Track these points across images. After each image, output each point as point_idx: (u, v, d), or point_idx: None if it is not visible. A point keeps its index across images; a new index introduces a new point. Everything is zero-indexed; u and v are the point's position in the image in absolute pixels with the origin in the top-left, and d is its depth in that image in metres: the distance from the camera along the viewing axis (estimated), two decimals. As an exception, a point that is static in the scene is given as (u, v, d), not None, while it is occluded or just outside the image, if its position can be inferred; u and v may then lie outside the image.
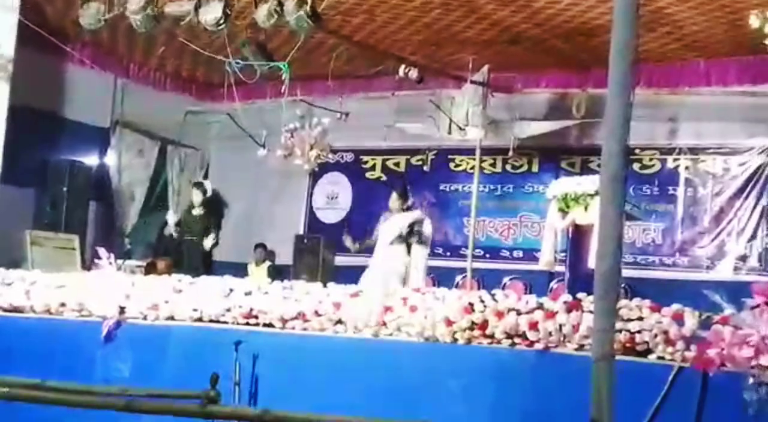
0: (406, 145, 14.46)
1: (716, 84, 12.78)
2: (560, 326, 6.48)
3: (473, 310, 6.86)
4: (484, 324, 6.77)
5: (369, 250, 10.81)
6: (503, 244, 14.17)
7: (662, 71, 12.91)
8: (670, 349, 6.11)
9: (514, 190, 14.25)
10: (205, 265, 11.11)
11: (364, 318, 7.24)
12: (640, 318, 6.30)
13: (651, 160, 13.28)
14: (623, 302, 6.43)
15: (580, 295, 6.58)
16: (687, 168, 13.14)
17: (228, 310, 7.89)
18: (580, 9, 11.11)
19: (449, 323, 6.87)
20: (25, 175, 12.43)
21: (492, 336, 6.74)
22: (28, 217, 12.94)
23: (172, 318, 8.15)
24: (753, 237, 12.50)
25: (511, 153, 13.15)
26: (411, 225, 10.54)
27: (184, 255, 11.36)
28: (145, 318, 8.25)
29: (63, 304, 8.63)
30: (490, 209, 14.15)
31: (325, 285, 7.93)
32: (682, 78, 12.97)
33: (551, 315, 6.55)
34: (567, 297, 6.72)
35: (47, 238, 12.19)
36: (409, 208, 10.76)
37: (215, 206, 11.64)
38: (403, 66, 12.33)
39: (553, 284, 12.02)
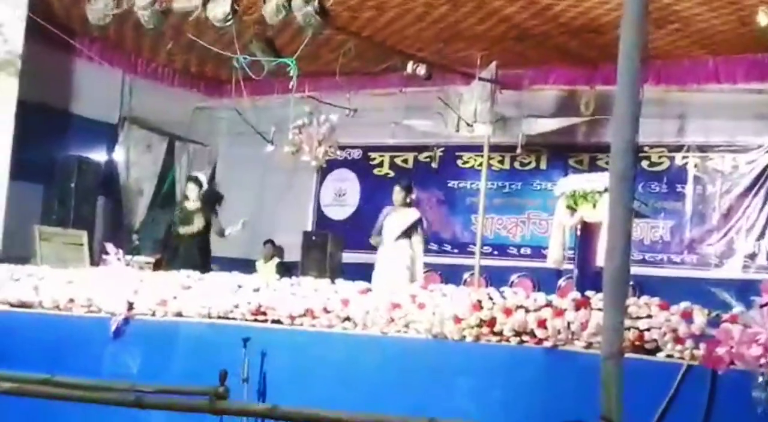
0: (414, 141, 14.45)
1: (725, 81, 12.74)
2: (569, 324, 6.47)
3: (482, 307, 6.85)
4: (492, 322, 6.77)
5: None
6: (511, 241, 14.16)
7: (671, 68, 12.88)
8: (679, 347, 6.10)
9: (522, 187, 14.24)
10: (203, 260, 11.05)
11: (372, 316, 7.25)
12: (649, 316, 6.29)
13: (659, 157, 13.26)
14: (632, 300, 6.42)
15: (589, 293, 6.58)
16: (695, 165, 13.11)
17: (236, 307, 7.90)
18: (588, 5, 11.09)
19: (458, 320, 6.87)
20: (33, 170, 12.44)
21: (500, 334, 6.73)
22: (36, 213, 12.95)
23: (180, 314, 8.16)
24: (762, 235, 12.47)
25: (519, 150, 13.13)
26: (410, 221, 10.70)
27: (179, 249, 11.25)
28: (153, 314, 8.26)
29: (71, 300, 8.64)
30: (498, 206, 14.14)
31: (333, 282, 7.94)
32: (690, 75, 12.94)
33: (560, 312, 6.54)
34: (575, 294, 6.71)
35: (56, 234, 12.19)
36: (410, 203, 10.90)
37: (211, 199, 11.53)
38: (411, 62, 12.32)
39: (561, 281, 12.00)
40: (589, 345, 6.34)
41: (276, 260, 13.50)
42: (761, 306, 5.67)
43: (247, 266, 11.88)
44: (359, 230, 12.09)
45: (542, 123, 13.28)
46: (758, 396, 5.54)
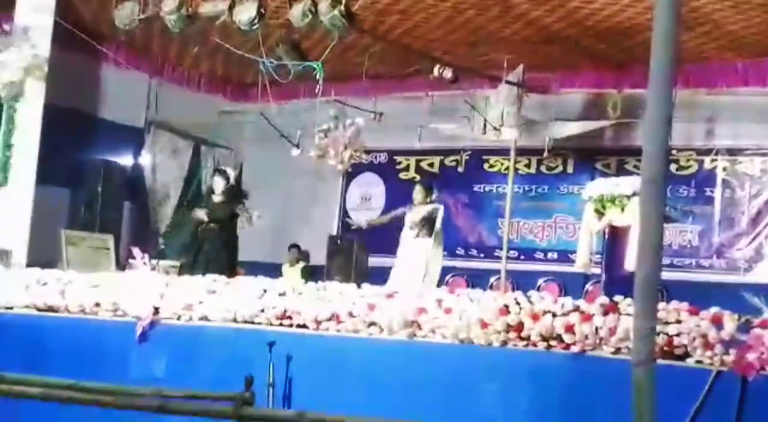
0: (441, 145, 14.42)
1: (754, 84, 12.67)
2: (597, 329, 6.40)
3: (508, 312, 6.80)
4: (519, 327, 6.71)
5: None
6: (538, 246, 14.11)
7: (700, 71, 12.79)
8: (708, 353, 6.02)
9: (549, 190, 14.18)
10: (228, 254, 11.12)
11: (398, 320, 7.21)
12: (678, 322, 6.22)
13: (688, 161, 13.17)
14: (661, 305, 6.34)
15: (617, 298, 6.52)
16: (724, 169, 13.02)
17: (262, 311, 7.86)
18: (616, 8, 11.05)
19: (484, 325, 6.81)
20: (60, 174, 12.50)
21: (527, 339, 6.67)
22: (63, 217, 13.02)
23: (206, 318, 8.14)
24: (791, 239, 12.38)
25: (546, 153, 13.08)
26: (428, 215, 11.23)
27: (204, 245, 11.28)
28: (179, 318, 8.25)
29: (98, 304, 8.64)
30: (525, 210, 14.08)
31: (358, 286, 7.91)
32: (719, 78, 12.87)
33: (587, 317, 6.47)
34: (603, 299, 6.64)
35: (82, 238, 12.23)
36: (431, 203, 11.38)
37: (236, 194, 11.66)
38: (437, 66, 12.28)
39: (588, 286, 11.93)
40: (617, 351, 6.28)
41: (301, 264, 13.50)
42: (792, 312, 5.61)
43: (272, 270, 11.88)
44: (385, 234, 12.05)
45: (569, 126, 13.22)
46: (789, 402, 5.47)
